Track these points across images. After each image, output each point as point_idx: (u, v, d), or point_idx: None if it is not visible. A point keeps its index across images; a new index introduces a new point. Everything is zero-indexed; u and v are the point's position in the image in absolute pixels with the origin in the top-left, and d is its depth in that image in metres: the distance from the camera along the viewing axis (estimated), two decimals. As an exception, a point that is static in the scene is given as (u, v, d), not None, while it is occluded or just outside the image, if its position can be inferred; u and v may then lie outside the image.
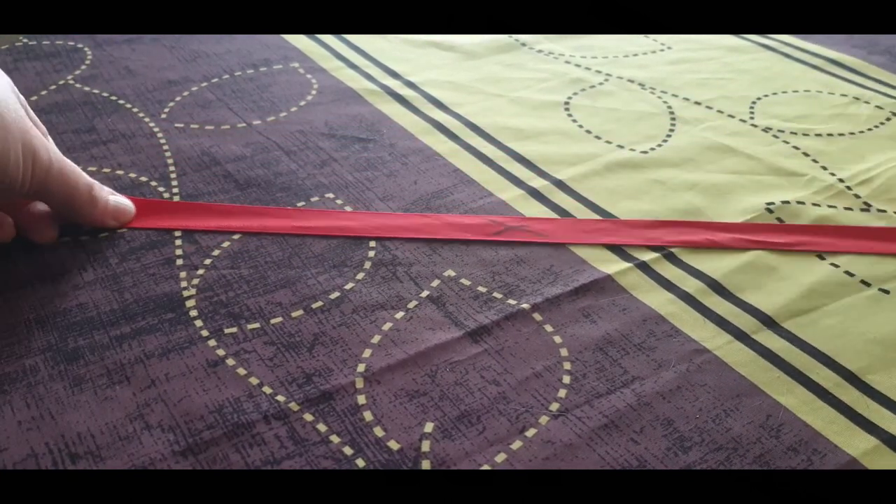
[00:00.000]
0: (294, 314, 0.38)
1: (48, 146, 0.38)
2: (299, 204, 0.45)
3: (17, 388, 0.33)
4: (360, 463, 0.31)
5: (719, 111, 0.56)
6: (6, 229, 0.40)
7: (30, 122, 0.37)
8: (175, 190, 0.46)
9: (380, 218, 0.44)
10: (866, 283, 0.41)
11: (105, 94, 0.55)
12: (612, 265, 0.41)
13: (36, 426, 0.32)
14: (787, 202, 0.46)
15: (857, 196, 0.48)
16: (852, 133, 0.54)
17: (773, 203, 0.46)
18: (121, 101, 0.54)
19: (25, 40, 0.62)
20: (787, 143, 0.53)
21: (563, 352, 0.36)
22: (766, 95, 0.58)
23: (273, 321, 0.37)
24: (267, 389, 0.34)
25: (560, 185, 0.48)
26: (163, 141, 0.50)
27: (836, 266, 0.42)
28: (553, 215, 0.45)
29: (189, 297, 0.38)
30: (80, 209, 0.40)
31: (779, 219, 0.45)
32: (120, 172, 0.47)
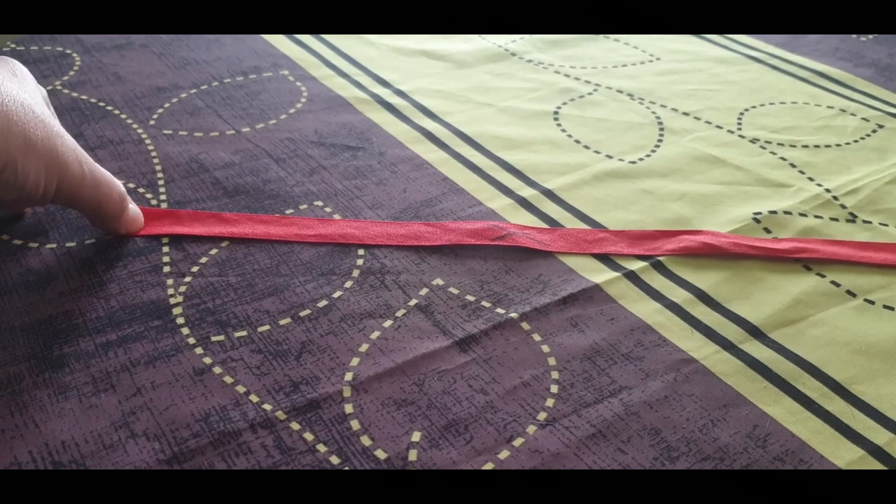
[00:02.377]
0: (281, 322, 0.38)
1: (81, 159, 0.38)
2: (288, 212, 0.45)
3: (0, 396, 0.33)
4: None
5: (707, 122, 0.56)
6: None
7: (63, 135, 0.37)
8: (163, 197, 0.46)
9: (379, 227, 0.44)
10: (852, 294, 0.41)
11: (93, 101, 0.55)
12: (600, 275, 0.41)
13: (20, 434, 0.32)
14: (774, 212, 0.47)
15: (843, 207, 0.48)
16: (839, 144, 0.54)
17: (760, 213, 0.47)
18: (109, 108, 0.54)
19: (13, 45, 0.61)
20: (775, 154, 0.53)
21: (551, 361, 0.36)
22: (753, 107, 0.59)
23: (260, 329, 0.37)
24: (254, 398, 0.34)
25: (549, 194, 0.48)
26: (151, 148, 0.50)
27: (823, 276, 0.42)
28: (542, 224, 0.45)
29: (176, 305, 0.38)
30: (105, 219, 0.41)
31: (766, 229, 0.46)
32: (107, 179, 0.47)
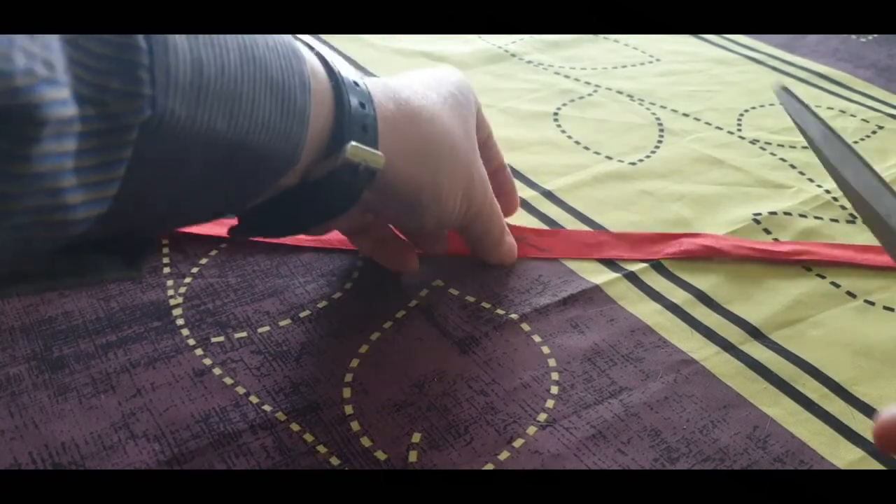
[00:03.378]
0: (282, 323, 0.38)
1: (488, 184, 0.38)
2: (288, 213, 0.45)
3: (0, 398, 0.33)
4: (347, 473, 0.31)
5: (707, 123, 0.56)
6: (412, 263, 0.40)
7: (479, 160, 0.37)
8: (163, 198, 0.46)
9: None
10: (852, 295, 0.41)
11: (93, 102, 0.55)
12: (600, 275, 0.41)
13: (19, 435, 0.32)
14: (774, 213, 0.47)
15: (843, 208, 0.48)
16: (838, 145, 0.54)
17: (759, 214, 0.47)
18: (109, 109, 0.54)
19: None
20: (774, 154, 0.53)
21: (551, 362, 0.36)
22: (753, 108, 0.59)
23: (260, 330, 0.37)
24: (254, 399, 0.34)
25: (549, 195, 0.48)
26: (151, 149, 0.50)
27: (823, 277, 0.42)
28: (542, 226, 0.45)
29: (176, 306, 0.38)
30: (486, 248, 0.40)
31: (766, 230, 0.46)
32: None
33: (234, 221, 0.43)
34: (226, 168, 0.27)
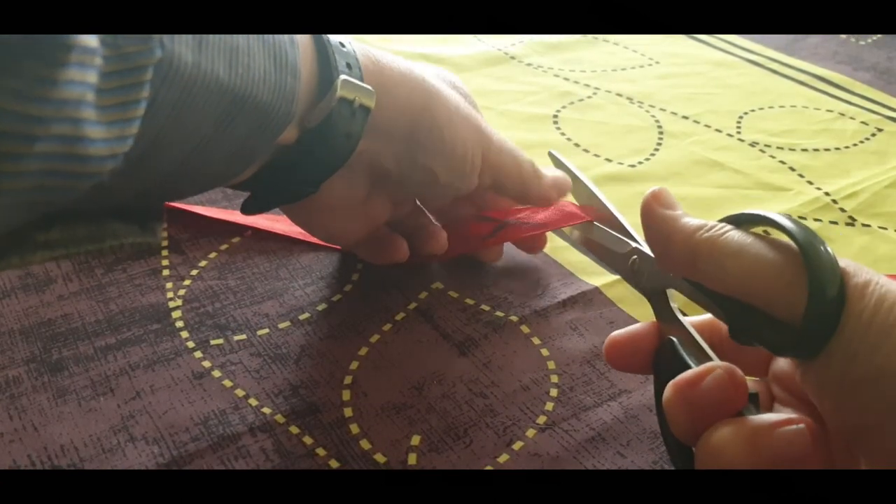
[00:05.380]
0: (281, 325, 0.38)
1: (490, 128, 0.38)
2: (287, 215, 0.45)
3: (-1, 400, 0.33)
4: (347, 476, 0.31)
5: (706, 125, 0.57)
6: (402, 250, 0.39)
7: (474, 108, 0.38)
8: (162, 200, 0.46)
9: None
10: (852, 297, 0.41)
11: (93, 104, 0.55)
12: (599, 278, 0.41)
13: (18, 438, 0.32)
14: (774, 216, 0.47)
15: (842, 210, 0.48)
16: (838, 148, 0.54)
17: (759, 217, 0.47)
18: (109, 111, 0.54)
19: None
20: (774, 157, 0.53)
21: (551, 364, 0.36)
22: (752, 110, 0.59)
23: (260, 332, 0.37)
24: (253, 401, 0.34)
25: (548, 197, 0.48)
26: (151, 151, 0.50)
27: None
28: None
29: (175, 308, 0.38)
30: (528, 184, 0.39)
31: (765, 231, 0.45)
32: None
33: (241, 218, 0.44)
34: (231, 120, 0.28)
